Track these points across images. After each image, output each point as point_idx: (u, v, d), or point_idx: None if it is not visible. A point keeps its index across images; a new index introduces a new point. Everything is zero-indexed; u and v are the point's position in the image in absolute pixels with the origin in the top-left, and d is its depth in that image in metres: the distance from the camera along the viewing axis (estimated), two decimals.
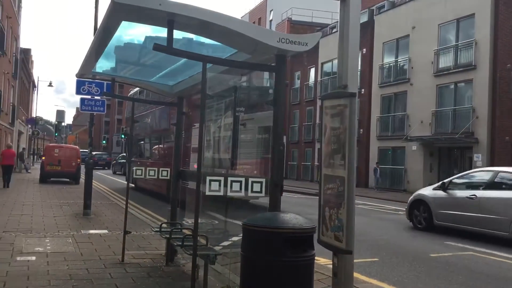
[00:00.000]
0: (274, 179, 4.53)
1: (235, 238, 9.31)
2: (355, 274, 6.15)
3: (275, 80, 4.64)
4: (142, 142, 23.26)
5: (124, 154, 41.79)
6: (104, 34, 4.73)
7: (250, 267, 3.99)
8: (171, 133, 16.77)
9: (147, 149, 22.45)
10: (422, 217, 12.61)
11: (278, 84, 4.59)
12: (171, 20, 4.16)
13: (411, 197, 13.52)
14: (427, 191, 13.06)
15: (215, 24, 4.07)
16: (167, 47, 4.20)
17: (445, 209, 11.96)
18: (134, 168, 7.65)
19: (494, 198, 10.79)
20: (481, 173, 12.26)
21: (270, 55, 4.71)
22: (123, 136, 61.04)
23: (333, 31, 38.24)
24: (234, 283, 5.91)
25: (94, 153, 40.47)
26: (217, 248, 7.21)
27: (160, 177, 7.65)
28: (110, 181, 29.90)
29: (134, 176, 7.68)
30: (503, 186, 11.00)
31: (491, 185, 11.18)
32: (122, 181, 30.15)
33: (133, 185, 23.24)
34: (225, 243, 8.87)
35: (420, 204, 12.79)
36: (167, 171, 7.76)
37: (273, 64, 4.72)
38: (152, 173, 7.69)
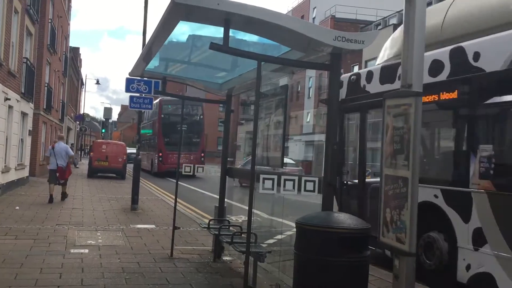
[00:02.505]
0: (327, 178, 4.52)
1: (280, 236, 9.31)
2: None
3: (329, 78, 4.61)
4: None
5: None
6: (161, 33, 4.82)
7: (304, 266, 3.99)
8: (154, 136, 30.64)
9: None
10: None
11: (332, 82, 4.57)
12: (228, 19, 4.19)
13: None
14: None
15: (272, 23, 4.07)
16: (223, 46, 4.23)
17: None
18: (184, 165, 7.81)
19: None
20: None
21: (323, 53, 4.68)
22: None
23: (378, 28, 37.60)
24: (282, 281, 5.91)
25: None
26: (263, 245, 7.23)
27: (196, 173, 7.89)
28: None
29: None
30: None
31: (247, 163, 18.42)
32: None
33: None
34: (271, 241, 8.89)
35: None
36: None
37: (327, 63, 4.70)
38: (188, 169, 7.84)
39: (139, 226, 10.30)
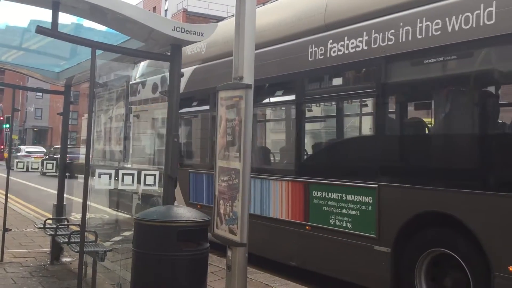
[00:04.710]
0: (168, 172, 4.43)
1: (127, 233, 8.99)
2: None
3: (170, 70, 4.52)
4: None
5: None
6: None
7: (142, 263, 3.86)
8: None
9: None
10: None
11: (173, 74, 4.48)
12: (56, 2, 3.87)
13: None
14: None
15: (107, 9, 3.86)
16: (51, 30, 3.90)
17: None
18: None
19: None
20: None
21: (164, 44, 4.58)
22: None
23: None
24: (125, 279, 5.70)
25: None
26: (107, 243, 6.93)
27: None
28: None
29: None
30: None
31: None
32: None
33: None
34: (116, 238, 8.55)
35: None
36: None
37: (167, 54, 4.60)
38: None
39: None
